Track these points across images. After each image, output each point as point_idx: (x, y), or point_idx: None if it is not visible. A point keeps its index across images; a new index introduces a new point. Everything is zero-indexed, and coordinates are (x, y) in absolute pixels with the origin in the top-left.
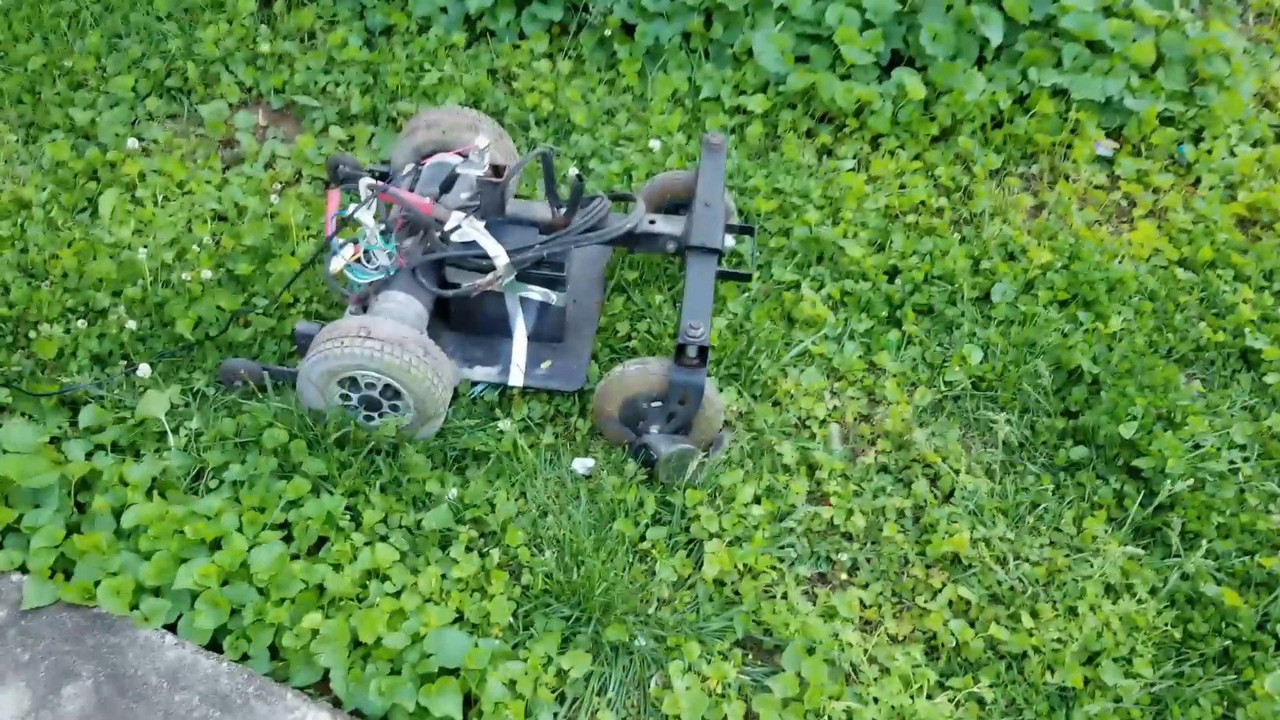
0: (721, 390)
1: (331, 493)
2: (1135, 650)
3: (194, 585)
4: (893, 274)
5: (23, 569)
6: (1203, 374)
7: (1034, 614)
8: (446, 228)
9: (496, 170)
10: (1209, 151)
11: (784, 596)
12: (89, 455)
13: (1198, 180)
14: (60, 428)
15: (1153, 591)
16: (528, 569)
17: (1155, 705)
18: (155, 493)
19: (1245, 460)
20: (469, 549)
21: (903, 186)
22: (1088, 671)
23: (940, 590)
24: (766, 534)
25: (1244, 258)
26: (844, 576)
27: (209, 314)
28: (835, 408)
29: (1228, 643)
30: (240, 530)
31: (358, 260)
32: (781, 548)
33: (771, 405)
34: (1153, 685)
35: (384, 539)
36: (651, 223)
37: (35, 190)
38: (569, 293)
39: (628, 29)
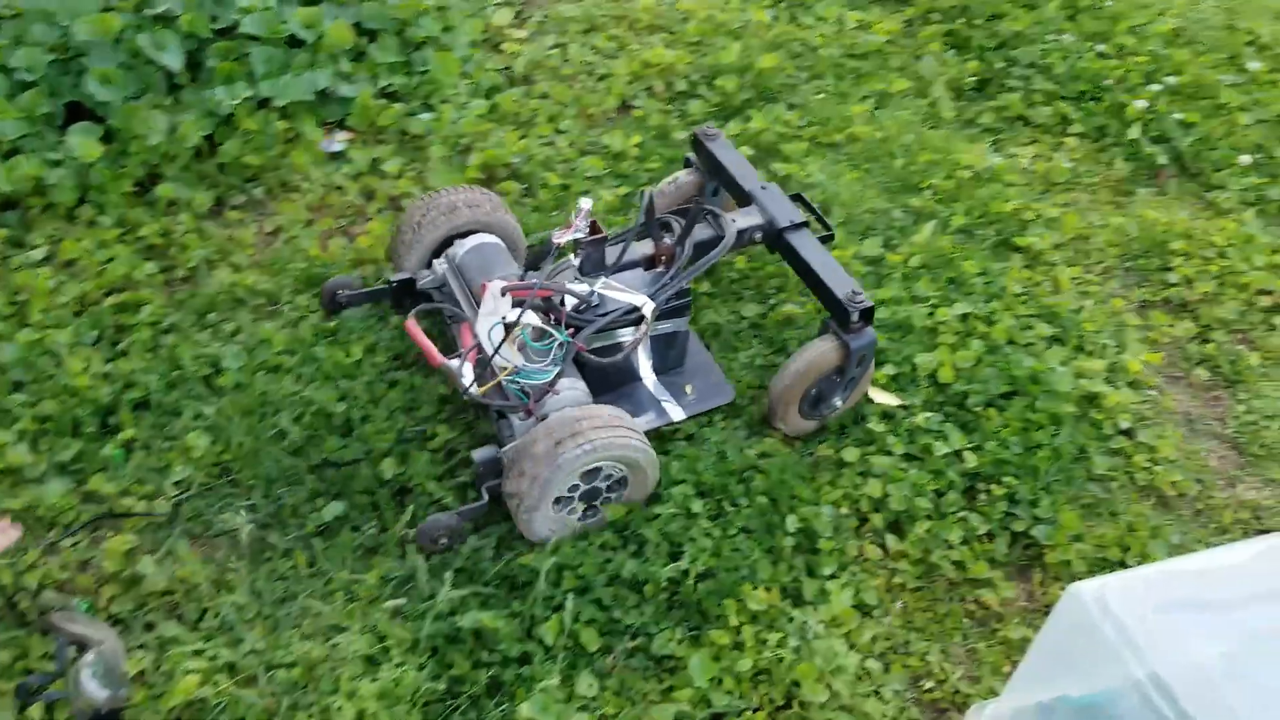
0: None
1: None
2: None
3: None
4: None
5: None
6: None
7: None
8: (586, 295)
9: (594, 228)
10: (438, 119)
11: None
12: None
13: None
14: None
15: (414, 645)
16: None
17: None
18: None
19: None
20: None
21: (110, 260)
22: None
23: None
24: None
25: None
26: None
27: None
28: None
29: (493, 670)
30: None
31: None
32: None
33: None
34: None
35: None
36: (733, 221)
37: None
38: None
39: None
